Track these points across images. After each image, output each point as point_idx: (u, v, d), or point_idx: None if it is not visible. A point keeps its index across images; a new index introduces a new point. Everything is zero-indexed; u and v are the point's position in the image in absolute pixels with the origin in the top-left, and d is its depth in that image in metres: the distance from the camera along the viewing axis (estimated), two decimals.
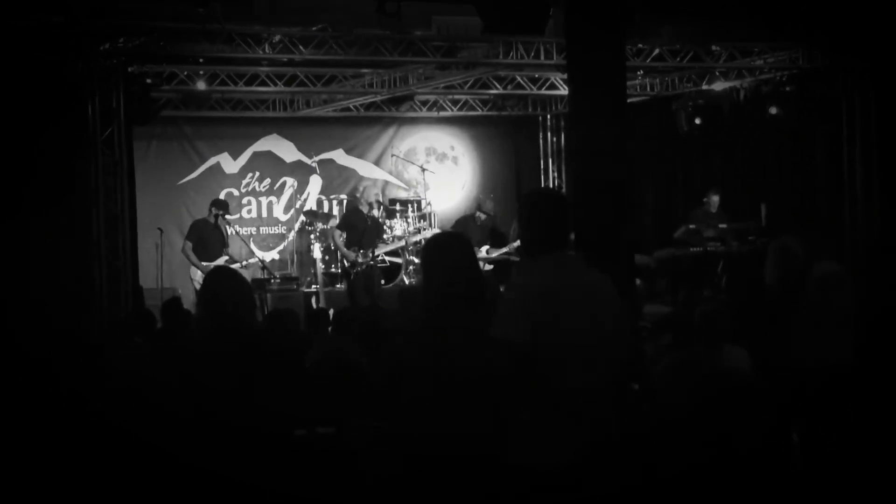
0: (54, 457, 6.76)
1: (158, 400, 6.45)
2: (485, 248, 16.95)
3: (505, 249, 17.26)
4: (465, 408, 4.83)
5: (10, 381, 8.00)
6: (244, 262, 16.16)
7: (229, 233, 16.33)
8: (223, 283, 6.09)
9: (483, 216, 17.35)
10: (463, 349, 4.88)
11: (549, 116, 21.03)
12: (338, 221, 17.57)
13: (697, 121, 17.51)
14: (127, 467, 6.50)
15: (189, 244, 15.89)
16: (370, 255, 15.92)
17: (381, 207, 17.38)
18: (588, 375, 4.87)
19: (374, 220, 16.43)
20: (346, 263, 16.00)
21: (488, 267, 16.50)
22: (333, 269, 17.45)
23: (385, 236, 16.72)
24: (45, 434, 6.90)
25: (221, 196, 17.91)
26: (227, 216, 16.73)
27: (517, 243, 16.71)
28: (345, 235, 16.13)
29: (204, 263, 15.35)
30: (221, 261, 15.64)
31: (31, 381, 8.07)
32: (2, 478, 6.69)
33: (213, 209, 16.11)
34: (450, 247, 5.17)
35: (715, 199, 17.15)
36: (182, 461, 5.75)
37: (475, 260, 5.22)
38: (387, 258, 16.90)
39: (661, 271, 16.23)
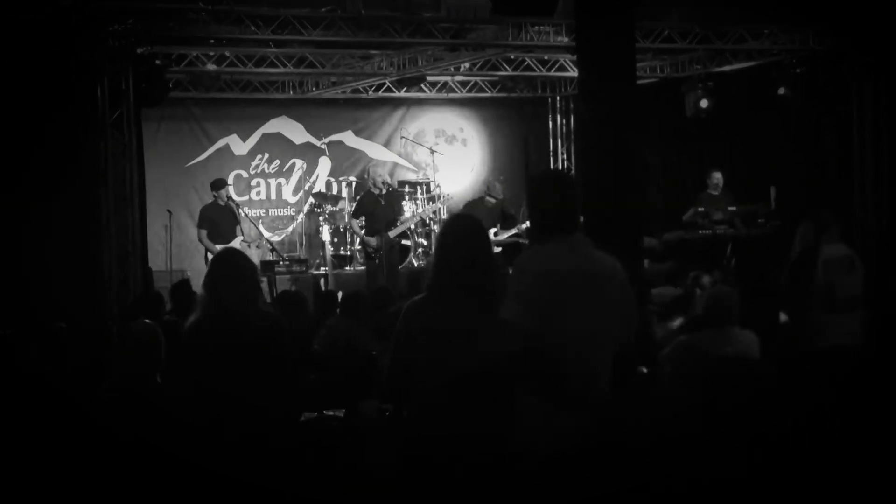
0: (63, 439, 6.78)
1: (165, 384, 6.47)
2: (493, 230, 16.91)
3: (514, 231, 17.24)
4: (473, 392, 4.83)
5: (20, 362, 8.01)
6: (254, 243, 16.19)
7: (241, 215, 16.36)
8: (226, 265, 6.08)
9: (493, 200, 17.30)
10: (471, 332, 4.87)
11: (558, 98, 20.97)
12: (347, 206, 17.59)
13: (705, 103, 17.47)
14: (130, 450, 6.51)
15: (203, 232, 15.91)
16: (388, 237, 15.90)
17: (390, 188, 17.40)
18: (594, 358, 4.87)
19: (387, 198, 16.41)
20: (367, 249, 15.97)
21: (497, 249, 16.47)
22: (342, 252, 17.47)
23: (400, 217, 16.67)
24: (53, 418, 6.91)
25: (230, 178, 17.94)
26: (235, 198, 16.79)
27: (526, 224, 16.69)
28: (363, 221, 16.10)
29: (219, 247, 15.35)
30: (237, 241, 15.68)
31: (40, 362, 8.09)
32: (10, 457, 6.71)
33: (213, 192, 16.16)
34: (465, 230, 5.15)
35: (717, 175, 17.09)
36: (189, 445, 5.76)
37: (489, 245, 5.20)
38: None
39: (669, 254, 16.21)
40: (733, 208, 16.80)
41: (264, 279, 15.18)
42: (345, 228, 17.40)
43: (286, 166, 19.34)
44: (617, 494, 4.91)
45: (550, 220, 5.04)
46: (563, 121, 21.14)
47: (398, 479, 5.15)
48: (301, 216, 18.97)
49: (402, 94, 19.06)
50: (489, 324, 4.86)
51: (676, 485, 6.38)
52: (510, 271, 5.29)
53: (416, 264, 17.31)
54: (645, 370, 7.52)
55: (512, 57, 17.37)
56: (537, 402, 4.81)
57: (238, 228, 16.13)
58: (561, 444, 4.77)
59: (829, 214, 9.49)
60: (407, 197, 18.17)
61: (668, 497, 6.22)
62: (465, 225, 5.23)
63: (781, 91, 16.57)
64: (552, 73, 18.04)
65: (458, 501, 4.83)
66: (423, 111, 20.33)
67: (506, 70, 17.87)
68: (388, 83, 18.42)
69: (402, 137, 19.97)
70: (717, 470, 6.76)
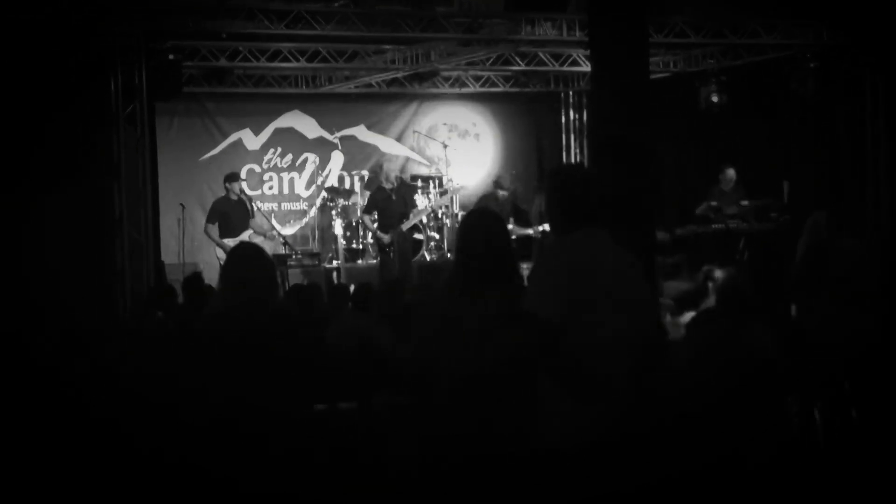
0: (75, 434, 6.80)
1: (179, 376, 6.48)
2: (509, 227, 16.81)
3: (529, 231, 17.18)
4: (494, 384, 4.83)
5: (32, 357, 8.04)
6: (267, 234, 16.21)
7: (254, 209, 16.37)
8: (246, 260, 6.09)
9: (504, 193, 17.26)
10: (492, 325, 4.88)
11: (571, 93, 20.96)
12: (360, 200, 17.61)
13: (716, 98, 17.48)
14: (142, 444, 6.53)
15: (210, 226, 15.90)
16: (401, 230, 15.93)
17: (401, 182, 17.41)
18: (614, 351, 4.87)
19: (398, 193, 16.41)
20: (381, 244, 16.00)
21: None
22: (354, 245, 17.49)
23: (411, 210, 16.68)
24: (66, 413, 6.93)
25: (243, 173, 17.97)
26: (248, 192, 16.83)
27: (542, 227, 16.64)
28: (375, 216, 16.13)
29: (228, 240, 15.35)
30: (246, 234, 15.70)
31: (53, 357, 8.11)
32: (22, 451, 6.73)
33: (226, 184, 16.17)
34: (484, 224, 5.16)
35: (730, 172, 17.05)
36: (201, 440, 5.77)
37: (508, 239, 5.21)
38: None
39: (682, 248, 16.19)
40: (746, 203, 16.77)
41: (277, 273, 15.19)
42: (357, 222, 17.42)
43: (299, 160, 19.36)
44: (631, 487, 4.91)
45: (572, 214, 5.04)
46: (576, 116, 21.14)
47: (415, 471, 5.16)
48: (313, 210, 18.99)
49: (415, 88, 19.08)
50: (510, 316, 4.87)
51: (689, 476, 6.38)
52: (523, 265, 5.29)
53: (428, 258, 17.33)
54: (657, 363, 7.49)
55: (525, 52, 17.38)
56: (559, 394, 4.82)
57: (250, 222, 16.13)
58: (582, 437, 4.77)
59: (842, 208, 9.48)
60: (419, 191, 18.17)
61: (682, 488, 6.23)
62: (484, 218, 5.24)
63: (794, 85, 16.54)
64: (565, 67, 18.03)
65: (477, 495, 4.84)
66: (436, 106, 20.32)
67: (519, 65, 17.89)
68: (401, 78, 18.42)
69: (414, 132, 19.97)
70: (729, 462, 6.76)
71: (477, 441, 4.82)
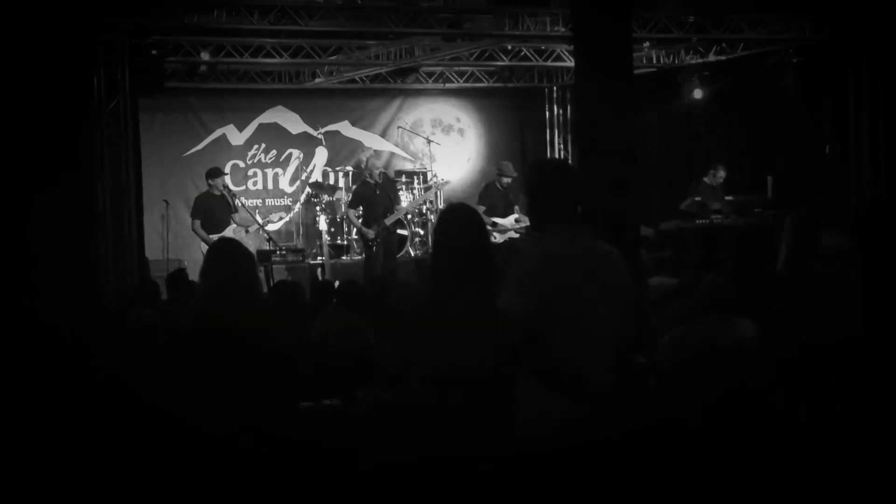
0: (59, 429, 6.78)
1: (162, 372, 6.46)
2: (513, 216, 16.72)
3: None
4: (473, 381, 4.82)
5: (16, 352, 8.01)
6: (249, 230, 16.15)
7: (237, 204, 16.32)
8: (224, 255, 6.07)
9: (507, 180, 17.03)
10: (470, 321, 4.86)
11: (555, 88, 20.96)
12: (344, 195, 17.58)
13: (699, 94, 17.53)
14: (125, 441, 6.51)
15: (197, 222, 15.86)
16: (385, 225, 15.90)
17: (384, 177, 17.37)
18: (595, 348, 4.86)
19: (383, 188, 16.39)
20: (366, 239, 15.96)
21: (515, 236, 16.35)
22: (339, 241, 17.47)
23: (396, 206, 16.64)
24: (49, 408, 6.91)
25: (227, 168, 17.93)
26: (232, 187, 16.78)
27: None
28: (361, 211, 16.09)
29: (214, 236, 15.30)
30: (230, 230, 15.66)
31: (36, 353, 8.09)
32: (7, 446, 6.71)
33: (208, 180, 16.11)
34: (461, 219, 5.14)
35: (721, 171, 17.06)
36: (185, 436, 5.75)
37: (486, 231, 5.19)
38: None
39: (666, 243, 16.19)
40: (730, 198, 16.79)
41: (261, 269, 15.18)
42: (342, 218, 17.40)
43: (283, 156, 19.35)
44: (614, 485, 4.90)
45: (551, 209, 5.02)
46: (560, 111, 21.14)
47: (397, 468, 5.14)
48: (298, 206, 18.96)
49: (399, 84, 19.07)
50: (488, 312, 4.85)
51: (673, 474, 6.39)
52: (509, 259, 5.27)
53: (412, 254, 17.31)
54: (642, 359, 7.51)
55: (509, 47, 17.37)
56: (539, 391, 4.80)
57: (233, 217, 16.08)
58: (563, 434, 4.76)
59: (829, 204, 9.48)
60: (404, 186, 18.16)
61: (665, 486, 6.23)
62: (461, 213, 5.22)
63: (778, 80, 16.56)
64: (549, 62, 18.03)
65: (458, 493, 4.82)
66: (420, 101, 20.32)
67: (502, 60, 17.88)
68: (385, 73, 18.40)
69: (398, 127, 19.96)
70: (714, 459, 6.77)
71: (457, 439, 4.81)
